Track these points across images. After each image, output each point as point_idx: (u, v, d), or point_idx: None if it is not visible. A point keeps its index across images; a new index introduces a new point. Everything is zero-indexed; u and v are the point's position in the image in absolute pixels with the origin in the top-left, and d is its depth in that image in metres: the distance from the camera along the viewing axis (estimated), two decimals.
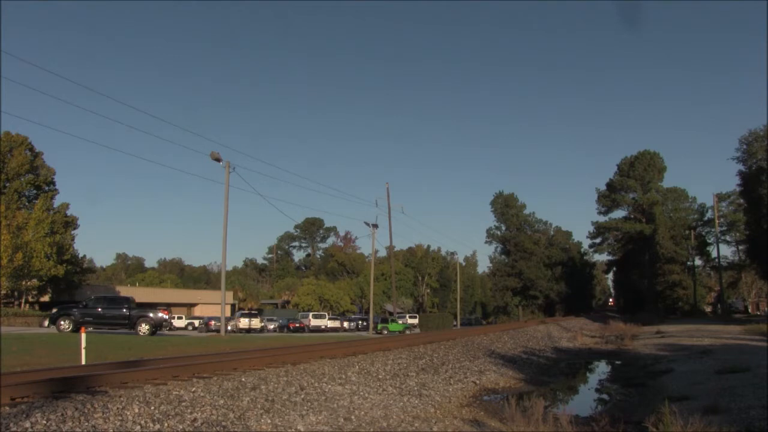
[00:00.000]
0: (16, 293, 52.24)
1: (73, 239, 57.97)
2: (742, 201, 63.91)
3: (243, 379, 10.60)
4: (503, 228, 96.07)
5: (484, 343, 28.31)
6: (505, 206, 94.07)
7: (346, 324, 62.50)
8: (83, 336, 13.78)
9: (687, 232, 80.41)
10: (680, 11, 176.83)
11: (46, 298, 55.35)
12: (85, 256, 68.24)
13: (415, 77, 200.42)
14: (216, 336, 32.41)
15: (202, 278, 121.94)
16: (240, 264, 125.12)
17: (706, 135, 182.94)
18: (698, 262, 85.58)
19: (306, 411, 9.78)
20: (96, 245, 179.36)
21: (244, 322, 53.01)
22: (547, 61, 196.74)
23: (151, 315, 28.52)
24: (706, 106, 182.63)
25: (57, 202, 56.48)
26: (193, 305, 77.73)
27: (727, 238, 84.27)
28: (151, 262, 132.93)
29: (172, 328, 49.91)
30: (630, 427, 11.04)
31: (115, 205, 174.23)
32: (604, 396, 18.03)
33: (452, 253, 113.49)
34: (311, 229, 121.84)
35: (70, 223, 57.24)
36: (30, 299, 54.52)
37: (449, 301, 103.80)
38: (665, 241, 73.50)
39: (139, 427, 7.15)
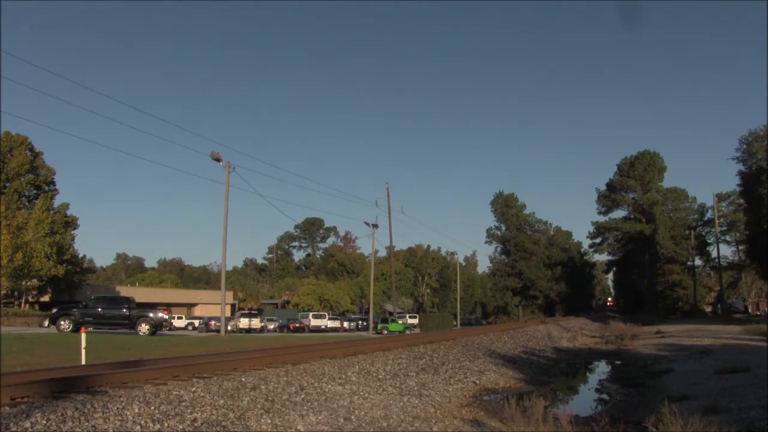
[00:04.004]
0: (16, 293, 52.23)
1: (73, 239, 57.98)
2: (742, 201, 63.90)
3: (243, 379, 10.60)
4: (503, 228, 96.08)
5: (484, 343, 28.30)
6: (505, 206, 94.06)
7: (346, 324, 62.48)
8: (83, 336, 13.78)
9: (687, 232, 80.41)
10: (680, 11, 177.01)
11: (46, 298, 55.34)
12: (85, 256, 68.35)
13: (415, 77, 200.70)
14: (216, 336, 32.41)
15: (202, 278, 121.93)
16: (240, 264, 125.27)
17: (706, 135, 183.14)
18: (698, 262, 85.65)
19: (306, 411, 9.78)
20: (96, 245, 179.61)
21: (244, 322, 53.01)
22: (547, 61, 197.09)
23: (151, 315, 28.50)
24: (706, 106, 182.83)
25: (57, 202, 56.52)
26: (193, 305, 77.72)
27: (727, 238, 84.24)
28: (151, 262, 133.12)
29: (172, 328, 49.90)
30: (630, 427, 11.03)
31: (115, 205, 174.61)
32: (604, 396, 18.02)
33: (452, 253, 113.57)
34: (311, 229, 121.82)
35: (70, 223, 57.23)
36: (30, 299, 54.51)
37: (449, 301, 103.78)
38: (665, 241, 73.48)
39: (139, 427, 7.15)
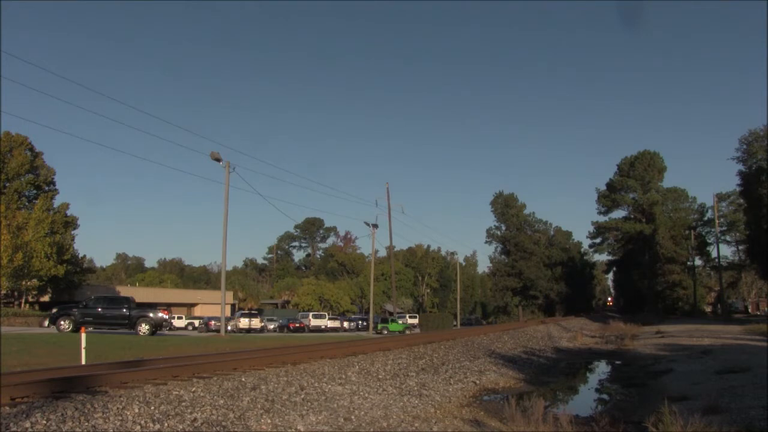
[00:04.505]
0: (16, 293, 52.26)
1: (73, 239, 58.03)
2: (742, 201, 63.89)
3: (243, 379, 10.61)
4: (503, 228, 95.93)
5: (484, 343, 28.30)
6: (505, 206, 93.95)
7: (346, 324, 62.52)
8: (83, 336, 13.80)
9: (687, 232, 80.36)
10: (680, 11, 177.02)
11: (46, 298, 55.36)
12: (85, 256, 68.35)
13: (415, 77, 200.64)
14: (216, 336, 32.41)
15: (202, 278, 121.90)
16: (240, 264, 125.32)
17: (706, 135, 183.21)
18: (698, 262, 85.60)
19: (306, 411, 9.78)
20: (96, 245, 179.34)
21: (244, 322, 53.05)
22: (548, 61, 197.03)
23: (151, 315, 28.50)
24: (706, 106, 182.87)
25: (57, 202, 56.56)
26: (193, 305, 77.74)
27: (727, 238, 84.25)
28: (151, 262, 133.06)
29: (172, 328, 49.92)
30: (630, 427, 11.03)
31: (115, 205, 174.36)
32: (604, 396, 18.02)
33: (452, 253, 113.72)
34: (311, 229, 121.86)
35: (70, 223, 57.26)
36: (30, 299, 54.52)
37: (449, 301, 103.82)
38: (665, 241, 73.44)
39: (139, 427, 7.15)
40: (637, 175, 79.65)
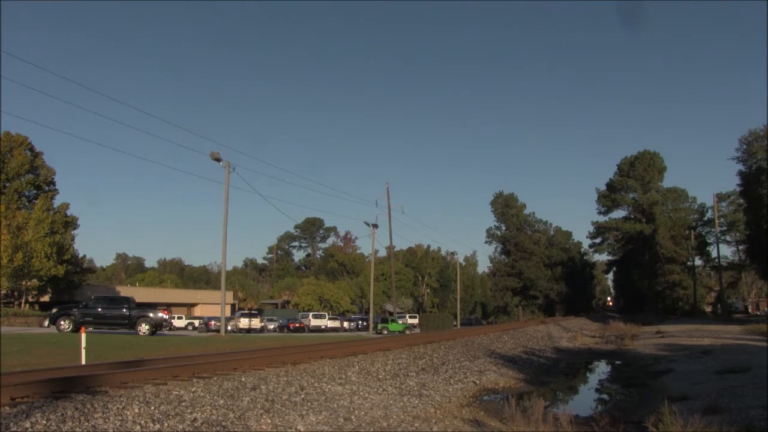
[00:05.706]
0: (16, 293, 52.26)
1: (73, 239, 58.05)
2: (742, 201, 63.89)
3: (243, 379, 10.61)
4: (503, 228, 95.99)
5: (484, 343, 28.30)
6: (505, 206, 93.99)
7: (346, 324, 62.52)
8: (83, 336, 13.80)
9: (687, 232, 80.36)
10: (680, 11, 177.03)
11: (46, 298, 55.37)
12: (85, 256, 68.36)
13: (415, 77, 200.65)
14: (216, 336, 32.41)
15: (202, 278, 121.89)
16: (240, 264, 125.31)
17: (706, 135, 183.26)
18: (698, 262, 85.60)
19: (306, 411, 9.78)
20: (96, 245, 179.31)
21: (244, 322, 53.05)
22: (547, 61, 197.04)
23: (151, 315, 28.50)
24: (706, 106, 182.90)
25: (57, 202, 56.56)
26: (193, 305, 77.74)
27: (727, 238, 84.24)
28: (151, 262, 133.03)
29: (172, 328, 49.92)
30: (630, 427, 11.03)
31: (115, 205, 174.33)
32: (604, 396, 18.02)
33: (452, 253, 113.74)
34: (311, 229, 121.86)
35: (70, 223, 57.27)
36: (30, 299, 54.52)
37: (449, 301, 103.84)
38: (665, 241, 73.43)
39: (139, 427, 7.15)
40: (637, 175, 79.64)
